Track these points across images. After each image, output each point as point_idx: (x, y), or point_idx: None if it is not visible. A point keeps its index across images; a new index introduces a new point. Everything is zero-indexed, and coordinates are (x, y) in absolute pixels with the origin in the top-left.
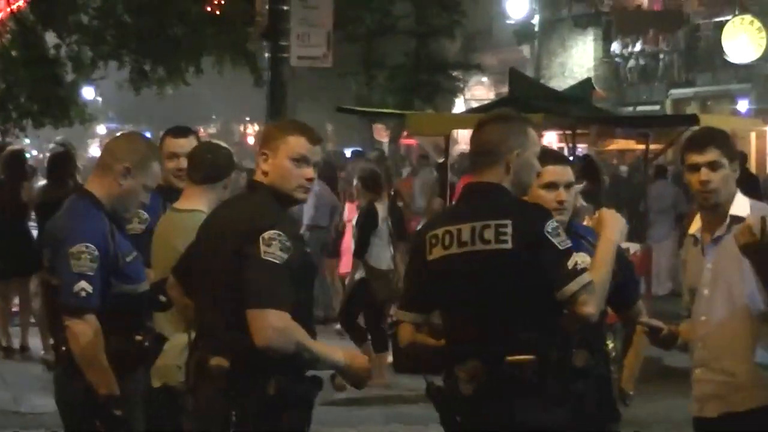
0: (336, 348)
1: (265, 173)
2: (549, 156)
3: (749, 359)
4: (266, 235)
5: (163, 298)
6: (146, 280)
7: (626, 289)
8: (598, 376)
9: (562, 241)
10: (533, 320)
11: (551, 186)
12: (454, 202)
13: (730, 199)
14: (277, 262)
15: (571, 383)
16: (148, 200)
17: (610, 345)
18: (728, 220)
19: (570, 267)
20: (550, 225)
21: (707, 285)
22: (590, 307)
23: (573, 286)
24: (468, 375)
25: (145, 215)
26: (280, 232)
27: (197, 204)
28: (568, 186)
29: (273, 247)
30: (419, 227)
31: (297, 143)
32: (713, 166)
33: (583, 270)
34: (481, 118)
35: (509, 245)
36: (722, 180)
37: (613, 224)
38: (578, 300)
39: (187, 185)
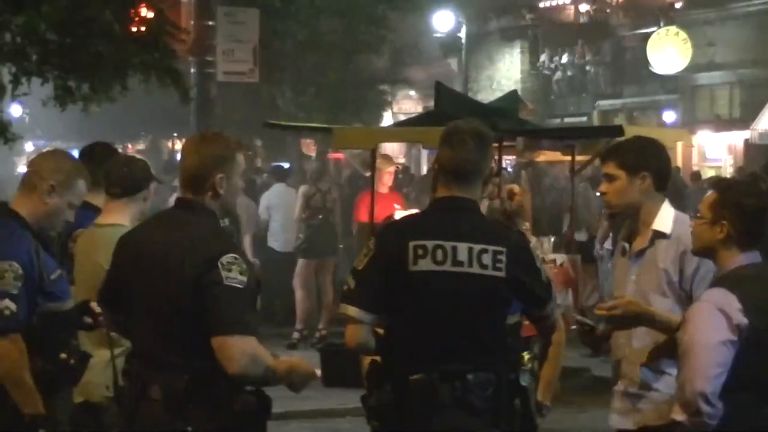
0: (275, 357)
1: (217, 195)
2: None
3: (665, 374)
4: (224, 259)
5: (88, 320)
6: (71, 298)
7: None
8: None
9: (540, 263)
10: (496, 341)
11: None
12: (421, 212)
13: (651, 212)
14: (240, 286)
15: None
16: (74, 218)
17: (527, 357)
18: (651, 233)
19: (546, 283)
20: (534, 251)
21: (630, 297)
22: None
23: (553, 303)
24: (424, 388)
25: None
26: (237, 255)
27: (118, 218)
28: None
29: (233, 272)
30: (389, 232)
31: (242, 160)
32: (609, 178)
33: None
34: (454, 134)
35: (503, 273)
36: (615, 192)
37: None
38: (554, 314)
39: (106, 200)
